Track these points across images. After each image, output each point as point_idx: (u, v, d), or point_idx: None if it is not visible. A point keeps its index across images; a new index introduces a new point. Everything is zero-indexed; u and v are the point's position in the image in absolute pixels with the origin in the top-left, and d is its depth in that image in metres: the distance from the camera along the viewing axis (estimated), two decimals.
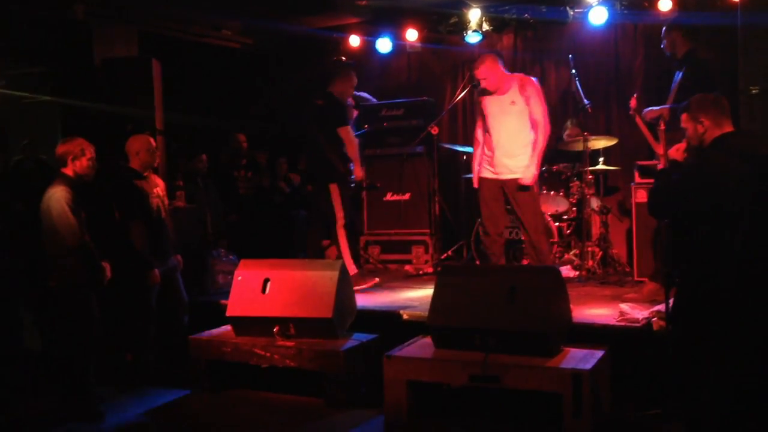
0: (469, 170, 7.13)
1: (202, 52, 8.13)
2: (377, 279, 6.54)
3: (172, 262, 5.31)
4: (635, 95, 5.57)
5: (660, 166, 5.34)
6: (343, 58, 7.87)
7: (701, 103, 3.58)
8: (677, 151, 3.78)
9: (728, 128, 3.52)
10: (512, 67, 7.85)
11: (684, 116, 3.60)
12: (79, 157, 4.66)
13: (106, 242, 4.83)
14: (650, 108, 5.35)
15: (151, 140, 5.27)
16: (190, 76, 7.71)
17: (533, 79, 5.66)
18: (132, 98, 6.45)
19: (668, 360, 3.82)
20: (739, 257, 3.26)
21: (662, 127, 5.13)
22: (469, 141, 7.77)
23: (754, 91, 4.82)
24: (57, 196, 4.52)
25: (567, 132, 7.18)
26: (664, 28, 5.43)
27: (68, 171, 4.66)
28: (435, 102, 7.93)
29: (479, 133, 5.79)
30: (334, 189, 6.19)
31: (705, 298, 3.36)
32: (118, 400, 4.93)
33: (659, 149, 5.33)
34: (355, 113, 7.29)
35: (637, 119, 5.48)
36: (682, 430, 3.52)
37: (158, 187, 5.29)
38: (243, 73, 8.61)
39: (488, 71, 5.51)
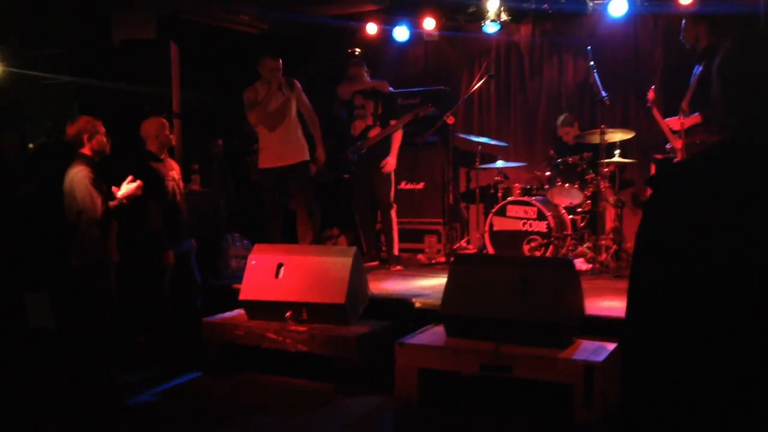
0: (484, 160, 7.17)
1: (219, 37, 8.12)
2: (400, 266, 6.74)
3: (186, 245, 5.34)
4: (653, 88, 5.54)
5: (675, 161, 5.33)
6: (357, 50, 7.86)
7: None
8: None
9: None
10: (530, 57, 7.88)
11: None
12: (94, 135, 4.71)
13: (123, 223, 4.86)
14: (673, 118, 5.31)
15: (166, 123, 5.29)
16: (207, 60, 7.71)
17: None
18: (150, 80, 6.48)
19: None
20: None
21: (682, 124, 5.11)
22: (485, 131, 7.80)
23: None
24: (80, 175, 4.58)
25: (559, 131, 7.17)
26: (684, 21, 5.38)
27: (86, 150, 4.71)
28: (451, 91, 7.91)
29: None
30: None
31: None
32: (130, 380, 4.97)
33: (677, 143, 5.31)
34: None
35: (654, 112, 5.45)
36: None
37: (174, 170, 5.32)
38: (259, 59, 8.59)
39: None
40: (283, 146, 6.25)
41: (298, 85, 6.44)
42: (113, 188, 4.70)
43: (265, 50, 6.37)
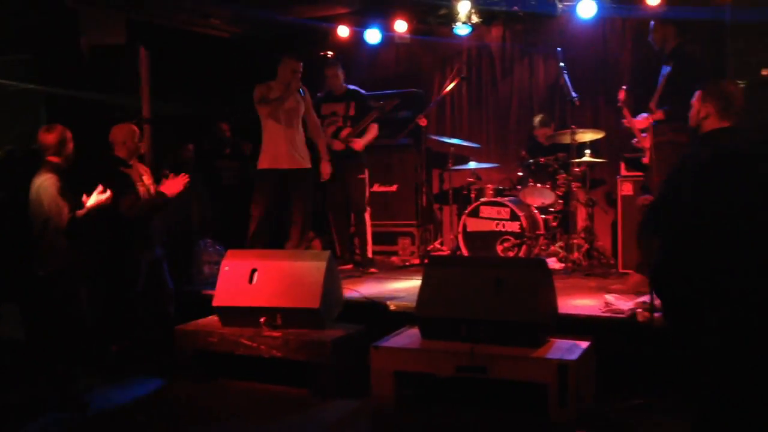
0: (457, 161, 7.20)
1: (190, 41, 8.07)
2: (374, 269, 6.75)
3: (158, 252, 5.29)
4: (623, 88, 5.60)
5: (645, 160, 5.39)
6: (330, 53, 7.86)
7: (714, 89, 3.55)
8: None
9: (727, 123, 3.50)
10: (501, 59, 7.93)
11: (697, 93, 3.58)
12: (64, 144, 4.65)
13: (92, 231, 4.80)
14: (640, 117, 5.38)
15: (135, 129, 5.24)
16: (178, 65, 7.65)
17: None
18: (119, 86, 6.40)
19: (661, 349, 3.85)
20: (717, 252, 3.27)
21: (650, 123, 5.17)
22: (457, 133, 7.84)
23: (741, 85, 4.85)
24: (47, 183, 4.52)
25: (535, 132, 7.23)
26: (652, 22, 5.45)
27: (54, 158, 4.64)
28: (423, 94, 7.94)
29: None
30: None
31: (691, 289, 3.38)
32: (104, 390, 4.91)
33: (645, 142, 5.37)
34: None
35: (625, 112, 5.51)
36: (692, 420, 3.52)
37: (145, 176, 5.27)
38: (231, 63, 8.55)
39: None
40: (293, 149, 6.16)
41: (308, 94, 6.42)
42: (84, 197, 4.64)
43: (288, 51, 6.33)
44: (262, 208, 6.18)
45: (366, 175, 6.84)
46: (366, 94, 7.00)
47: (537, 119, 7.30)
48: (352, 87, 6.96)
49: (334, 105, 6.85)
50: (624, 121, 5.51)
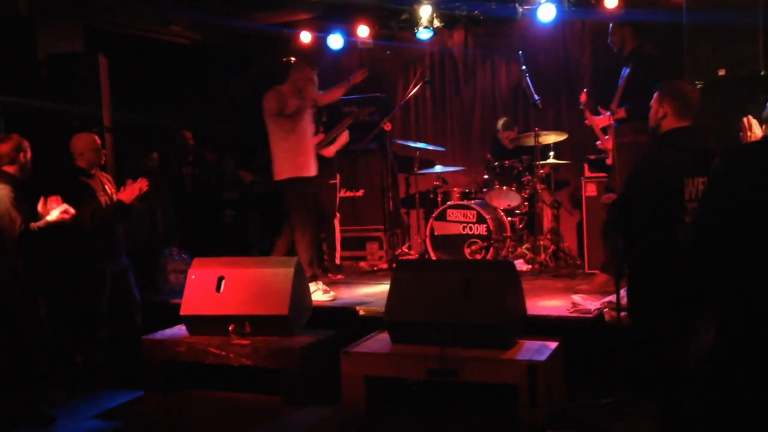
0: (423, 165, 7.22)
1: (150, 48, 7.98)
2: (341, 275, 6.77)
3: (123, 262, 5.21)
4: (585, 90, 5.68)
5: (609, 161, 5.47)
6: (293, 58, 7.83)
7: (670, 89, 3.62)
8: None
9: (686, 123, 3.58)
10: (464, 63, 7.98)
11: (655, 95, 3.65)
12: (19, 155, 4.55)
13: (53, 241, 4.71)
14: (600, 116, 5.46)
15: (96, 138, 5.16)
16: (138, 73, 7.56)
17: None
18: (78, 94, 6.30)
19: (627, 349, 3.90)
20: (684, 248, 3.32)
21: (611, 122, 5.25)
22: (422, 137, 7.87)
23: (699, 86, 4.94)
24: (0, 195, 4.40)
25: (499, 135, 7.29)
26: (611, 25, 5.54)
27: (9, 168, 4.54)
28: (387, 98, 7.95)
29: None
30: None
31: (657, 288, 3.43)
32: (70, 403, 4.84)
33: (608, 144, 5.45)
34: None
35: (587, 114, 5.58)
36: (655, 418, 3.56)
37: (107, 185, 5.19)
38: (192, 70, 8.48)
39: None
40: (313, 157, 5.98)
41: None
42: (39, 205, 4.53)
43: (305, 57, 6.14)
44: (310, 216, 5.85)
45: (337, 180, 6.85)
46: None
47: (500, 122, 7.36)
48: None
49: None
50: (586, 121, 5.59)
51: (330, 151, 6.68)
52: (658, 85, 3.67)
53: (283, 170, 5.76)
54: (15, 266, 4.45)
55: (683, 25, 5.17)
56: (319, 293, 5.50)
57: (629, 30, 5.40)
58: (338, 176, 6.87)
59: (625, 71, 5.39)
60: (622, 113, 5.21)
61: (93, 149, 5.07)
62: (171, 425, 4.47)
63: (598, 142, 5.58)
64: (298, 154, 5.79)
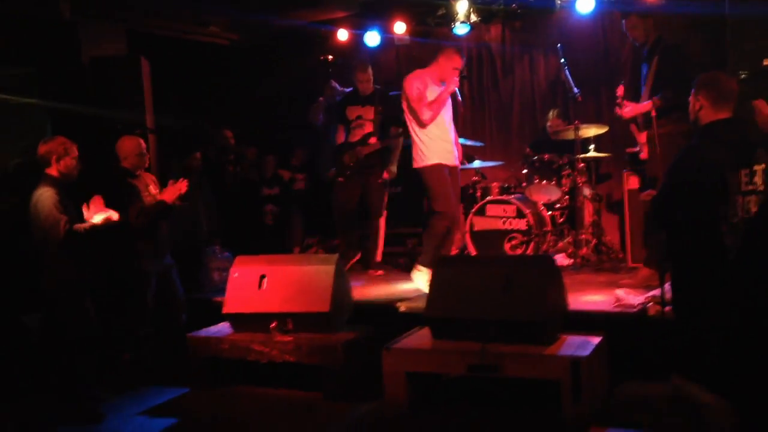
0: (463, 162, 7.17)
1: (189, 49, 8.09)
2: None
3: (167, 261, 5.31)
4: (622, 84, 5.59)
5: (642, 156, 5.39)
6: (330, 57, 7.87)
7: (705, 81, 3.58)
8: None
9: (724, 114, 3.53)
10: (501, 57, 7.93)
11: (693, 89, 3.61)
12: (63, 157, 4.65)
13: (99, 242, 4.81)
14: (631, 107, 5.37)
15: (142, 142, 5.26)
16: (178, 74, 7.67)
17: None
18: (121, 97, 6.43)
19: (672, 344, 3.85)
20: (725, 243, 3.28)
21: (653, 114, 5.16)
22: (461, 132, 7.81)
23: (743, 76, 4.86)
24: (44, 197, 4.51)
25: (549, 123, 7.21)
26: (626, 21, 5.46)
27: (53, 171, 4.65)
28: None
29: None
30: None
31: (701, 283, 3.39)
32: (117, 400, 4.92)
33: (641, 138, 5.38)
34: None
35: (625, 105, 5.49)
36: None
37: (151, 185, 5.29)
38: (230, 70, 8.58)
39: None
40: (452, 146, 5.91)
41: None
42: (84, 207, 4.63)
43: (454, 45, 5.94)
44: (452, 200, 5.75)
45: (386, 177, 6.87)
46: (393, 94, 6.93)
47: (554, 112, 7.24)
48: (378, 87, 6.92)
49: (362, 108, 6.78)
50: (624, 115, 5.46)
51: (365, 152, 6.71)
52: (693, 77, 3.63)
53: (420, 158, 5.69)
54: (60, 267, 4.56)
55: (725, 16, 5.09)
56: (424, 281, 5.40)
57: (650, 22, 5.32)
58: (386, 174, 6.83)
59: (645, 67, 5.30)
60: (658, 102, 5.12)
61: (138, 153, 5.18)
62: (215, 421, 4.54)
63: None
64: (437, 142, 5.68)
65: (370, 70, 6.81)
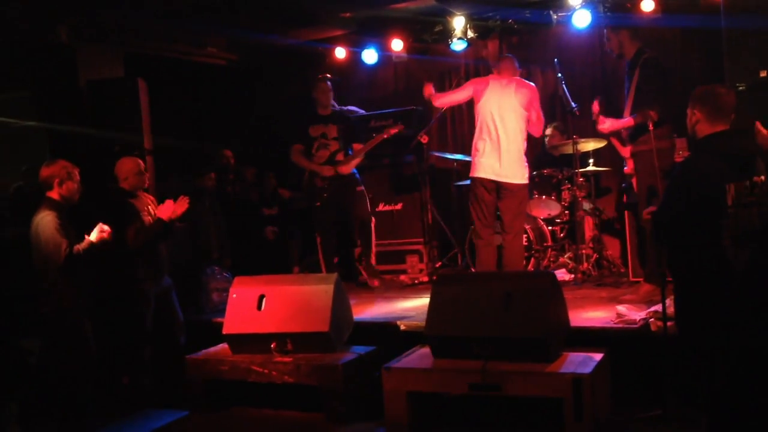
0: (461, 177, 7.17)
1: (187, 70, 8.12)
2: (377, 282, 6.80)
3: (166, 282, 5.28)
4: (596, 99, 5.58)
5: (626, 170, 5.38)
6: (328, 74, 7.89)
7: (700, 95, 3.57)
8: None
9: (721, 127, 3.51)
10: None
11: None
12: (65, 180, 4.65)
13: (98, 264, 4.80)
14: (609, 122, 5.35)
15: (140, 163, 5.25)
16: (177, 94, 7.69)
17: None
18: (119, 119, 6.43)
19: (675, 358, 3.81)
20: (727, 257, 3.26)
21: (651, 128, 5.14)
22: (459, 148, 7.82)
23: (740, 88, 4.85)
24: (45, 221, 4.50)
25: (548, 137, 7.19)
26: (606, 30, 5.47)
27: (54, 194, 4.64)
28: (423, 111, 7.92)
29: None
30: None
31: (703, 297, 3.36)
32: (116, 424, 4.87)
33: (624, 152, 5.38)
34: None
35: (601, 120, 5.48)
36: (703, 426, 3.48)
37: (151, 206, 5.28)
38: (229, 90, 8.61)
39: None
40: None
41: None
42: (86, 234, 4.62)
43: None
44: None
45: (363, 187, 6.86)
46: (352, 114, 6.98)
47: (551, 127, 7.22)
48: (338, 107, 6.95)
49: (325, 127, 6.72)
50: (604, 128, 5.45)
51: (347, 169, 6.65)
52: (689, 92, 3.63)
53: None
54: (60, 291, 4.54)
55: (721, 29, 5.09)
56: None
57: (626, 34, 5.32)
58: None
59: (627, 80, 5.30)
60: (639, 119, 5.10)
61: (137, 173, 5.17)
62: None
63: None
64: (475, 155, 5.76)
65: (330, 88, 6.78)
